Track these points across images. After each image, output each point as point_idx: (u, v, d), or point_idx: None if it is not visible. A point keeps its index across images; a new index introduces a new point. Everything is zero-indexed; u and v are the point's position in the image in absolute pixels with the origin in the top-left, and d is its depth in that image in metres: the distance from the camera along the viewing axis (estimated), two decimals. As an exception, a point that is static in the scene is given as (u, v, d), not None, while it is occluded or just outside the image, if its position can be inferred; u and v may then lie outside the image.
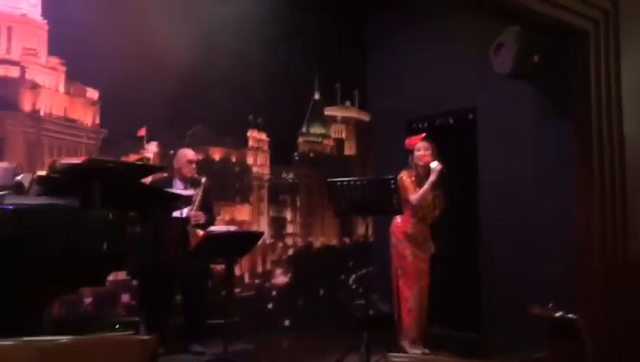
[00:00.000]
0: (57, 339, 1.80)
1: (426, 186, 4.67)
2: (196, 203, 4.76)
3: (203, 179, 4.88)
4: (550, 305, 4.71)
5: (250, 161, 6.13)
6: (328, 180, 4.39)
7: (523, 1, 4.18)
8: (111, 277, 4.98)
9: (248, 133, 6.13)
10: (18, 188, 3.11)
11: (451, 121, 6.29)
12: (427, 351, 4.78)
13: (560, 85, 4.92)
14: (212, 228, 4.46)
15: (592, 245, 4.57)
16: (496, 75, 4.97)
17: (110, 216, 3.05)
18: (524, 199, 5.40)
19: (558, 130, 5.02)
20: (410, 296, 4.75)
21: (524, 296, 5.02)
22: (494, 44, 4.87)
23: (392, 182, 4.27)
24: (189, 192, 4.67)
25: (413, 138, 4.92)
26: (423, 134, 4.93)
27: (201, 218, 4.66)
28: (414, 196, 4.67)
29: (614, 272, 4.52)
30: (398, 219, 4.80)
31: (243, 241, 4.41)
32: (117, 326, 4.49)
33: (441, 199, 4.78)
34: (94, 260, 3.01)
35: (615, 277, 4.53)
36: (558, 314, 2.29)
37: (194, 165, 4.94)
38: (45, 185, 3.14)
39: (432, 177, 4.65)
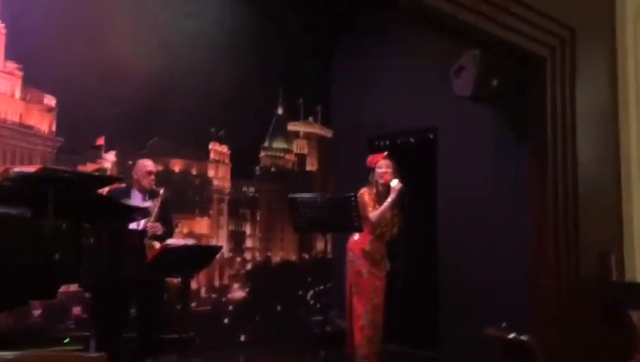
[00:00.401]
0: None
1: (385, 204, 4.70)
2: (154, 214, 4.68)
3: (161, 191, 4.80)
4: (504, 324, 4.80)
5: (211, 173, 6.07)
6: (289, 196, 4.38)
7: (483, 26, 4.26)
8: (62, 289, 4.87)
9: (210, 146, 6.08)
10: (-34, 196, 3.01)
11: (412, 140, 6.36)
12: (382, 368, 4.78)
13: (518, 108, 5.04)
14: (169, 242, 4.38)
15: (546, 263, 4.67)
16: (457, 96, 5.06)
17: (63, 226, 2.98)
18: (482, 218, 5.49)
19: (515, 151, 5.13)
20: (363, 313, 4.73)
21: (481, 315, 5.10)
22: (455, 66, 4.96)
23: (353, 199, 4.28)
24: (147, 204, 4.59)
25: (375, 156, 4.96)
26: (385, 153, 4.97)
27: (159, 230, 4.58)
28: (374, 213, 4.69)
29: (568, 290, 4.62)
30: (356, 235, 4.80)
31: (200, 255, 4.35)
32: (66, 341, 4.35)
33: (399, 218, 4.82)
34: (45, 272, 2.93)
35: (568, 295, 4.62)
36: (511, 336, 2.32)
37: (153, 176, 4.86)
38: (-4, 193, 3.04)
39: (392, 196, 4.68)
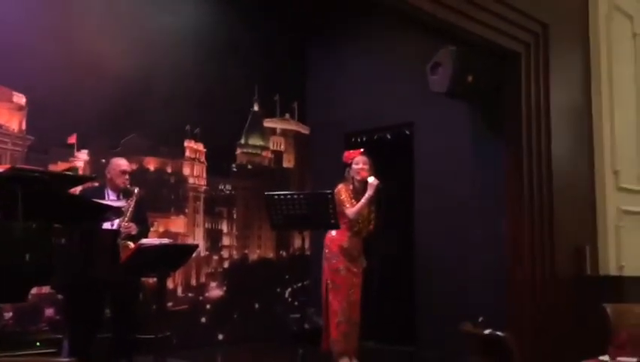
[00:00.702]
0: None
1: (363, 201, 4.70)
2: (128, 214, 4.61)
3: (136, 190, 4.72)
4: (480, 319, 4.83)
5: (186, 171, 6.01)
6: (266, 193, 4.34)
7: (458, 21, 4.27)
8: (34, 291, 4.79)
9: (185, 144, 6.01)
10: None
11: (389, 136, 6.36)
12: (358, 364, 4.79)
13: (494, 104, 5.06)
14: (144, 241, 4.31)
15: (522, 258, 4.70)
16: (433, 91, 5.06)
17: (33, 227, 2.91)
18: (458, 213, 5.52)
19: (491, 146, 5.15)
20: (339, 309, 4.73)
21: (458, 310, 5.13)
22: (431, 63, 4.96)
23: (329, 196, 4.26)
24: (120, 203, 4.51)
25: (351, 152, 4.95)
26: (361, 149, 4.96)
27: (133, 229, 4.51)
28: (351, 210, 4.68)
29: (543, 284, 4.66)
30: (333, 232, 4.79)
31: (176, 254, 4.28)
32: (38, 344, 4.26)
33: (375, 214, 4.81)
34: (15, 274, 2.86)
35: (543, 289, 4.66)
36: (487, 332, 2.32)
37: (127, 176, 4.77)
38: (-37, 194, 2.96)
39: (370, 192, 4.68)
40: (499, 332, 2.34)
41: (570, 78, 5.09)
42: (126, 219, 4.54)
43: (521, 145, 4.78)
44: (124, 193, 4.73)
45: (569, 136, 5.01)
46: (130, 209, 4.60)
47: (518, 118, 4.81)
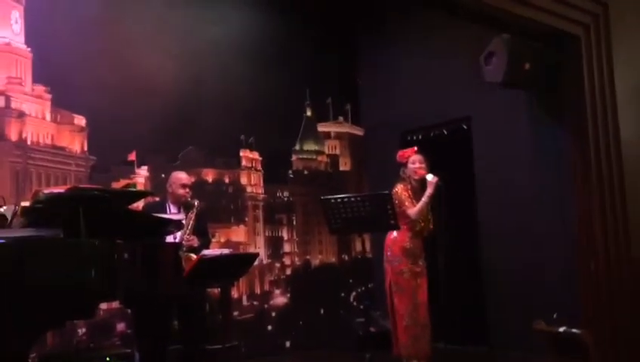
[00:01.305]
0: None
1: (424, 199, 4.58)
2: (189, 227, 4.67)
3: (196, 203, 4.78)
4: (555, 315, 4.63)
5: (243, 181, 6.05)
6: (322, 197, 4.31)
7: (510, 8, 4.13)
8: (105, 306, 4.92)
9: (241, 153, 6.06)
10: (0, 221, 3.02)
11: (445, 132, 6.23)
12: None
13: (554, 91, 4.87)
14: (205, 252, 4.35)
15: (595, 247, 4.50)
16: (489, 83, 4.91)
17: (97, 244, 2.96)
18: (523, 207, 5.33)
19: (554, 136, 4.96)
20: (405, 312, 4.61)
21: (530, 307, 4.95)
22: (485, 53, 4.82)
23: (387, 196, 4.18)
24: (179, 216, 4.57)
25: (405, 151, 4.84)
26: (415, 147, 4.85)
27: (195, 242, 4.55)
28: (413, 210, 4.57)
29: (619, 274, 4.44)
30: (394, 233, 4.69)
31: (237, 264, 4.30)
32: (108, 359, 4.36)
33: (434, 212, 4.70)
34: (81, 291, 2.91)
35: (619, 279, 4.44)
36: (562, 329, 2.19)
37: (187, 189, 4.84)
38: (29, 216, 3.05)
39: (430, 190, 4.56)
40: (574, 330, 2.21)
41: (634, 58, 4.84)
42: (188, 231, 4.60)
43: (586, 132, 4.58)
44: (184, 206, 4.79)
45: (638, 118, 4.75)
46: (192, 222, 4.65)
47: (582, 103, 4.62)
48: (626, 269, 4.44)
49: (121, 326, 5.03)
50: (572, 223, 4.68)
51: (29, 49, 4.93)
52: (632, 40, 4.83)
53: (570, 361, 2.30)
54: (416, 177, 4.68)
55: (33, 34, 4.95)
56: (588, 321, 4.35)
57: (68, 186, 3.51)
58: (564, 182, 4.78)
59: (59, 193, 3.07)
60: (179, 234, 4.55)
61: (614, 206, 4.53)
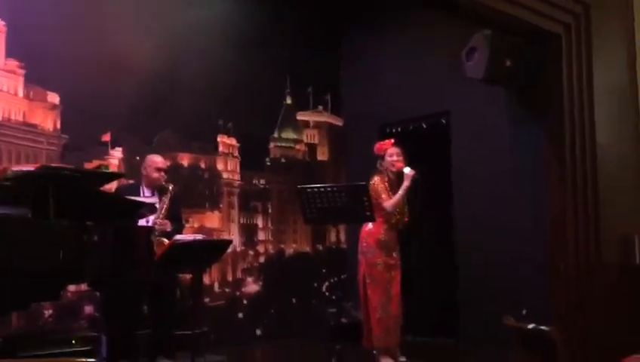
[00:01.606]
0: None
1: (400, 192, 4.58)
2: (163, 211, 4.61)
3: (170, 187, 4.72)
4: (524, 311, 4.68)
5: (220, 166, 5.99)
6: (298, 186, 4.28)
7: (493, 3, 4.12)
8: (73, 288, 4.84)
9: (218, 139, 5.99)
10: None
11: (424, 126, 6.23)
12: (403, 359, 4.69)
13: (533, 89, 4.89)
14: (178, 237, 4.30)
15: (566, 248, 4.54)
16: (469, 79, 4.91)
17: (65, 225, 2.90)
18: (498, 203, 5.37)
19: (532, 133, 4.99)
20: (378, 305, 4.63)
21: (502, 302, 4.99)
22: (466, 48, 4.81)
23: (364, 188, 4.16)
24: (152, 200, 4.51)
25: (383, 143, 4.83)
26: (392, 139, 4.84)
27: (167, 226, 4.50)
28: (389, 202, 4.57)
29: (588, 276, 4.49)
30: (370, 225, 4.69)
31: (210, 250, 4.25)
32: (74, 342, 4.29)
33: (410, 205, 4.71)
34: (48, 273, 2.85)
35: (589, 281, 4.49)
36: (531, 326, 2.20)
37: (163, 172, 4.77)
38: (-4, 193, 2.97)
39: (406, 183, 4.56)
40: (543, 327, 2.22)
41: (613, 59, 4.88)
42: (161, 216, 4.54)
43: (563, 131, 4.61)
44: (159, 190, 4.73)
45: (613, 120, 4.80)
46: (165, 206, 4.60)
47: (560, 102, 4.64)
48: (597, 272, 4.49)
49: (89, 309, 4.95)
50: (545, 221, 4.71)
51: (2, 22, 4.79)
52: (611, 41, 4.86)
53: (538, 358, 2.31)
54: (393, 169, 4.68)
55: (7, 7, 4.81)
56: (558, 319, 4.40)
57: (38, 165, 3.44)
58: (539, 181, 4.82)
59: (28, 171, 3.01)
60: (152, 217, 4.49)
61: (587, 208, 4.57)
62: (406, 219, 4.72)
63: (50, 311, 4.77)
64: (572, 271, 4.50)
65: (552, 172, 4.69)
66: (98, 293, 4.66)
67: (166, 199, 4.63)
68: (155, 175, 4.71)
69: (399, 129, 6.30)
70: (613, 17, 4.90)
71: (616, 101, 4.85)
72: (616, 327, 4.38)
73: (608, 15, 4.84)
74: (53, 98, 4.98)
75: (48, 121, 4.96)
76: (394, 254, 4.70)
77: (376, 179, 4.66)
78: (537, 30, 4.53)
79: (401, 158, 4.68)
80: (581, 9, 4.65)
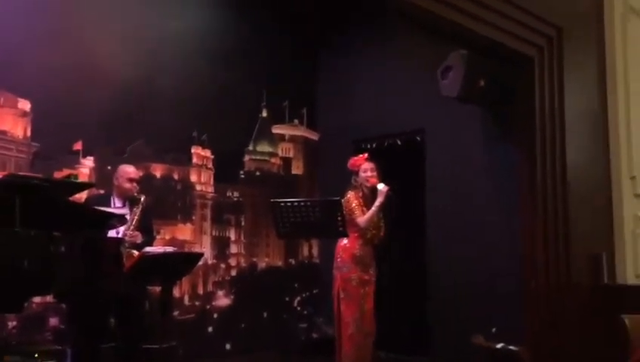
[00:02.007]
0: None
1: (373, 209, 4.59)
2: (134, 222, 4.54)
3: (142, 198, 4.65)
4: (494, 330, 4.70)
5: (193, 178, 5.93)
6: (272, 200, 4.26)
7: (469, 24, 4.17)
8: (38, 300, 4.73)
9: (192, 150, 5.94)
10: None
11: (399, 143, 6.26)
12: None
13: (506, 109, 4.95)
14: (148, 249, 4.23)
15: (537, 267, 4.57)
16: (444, 97, 4.96)
17: (31, 235, 2.83)
18: (471, 220, 5.40)
19: (505, 153, 5.04)
20: (351, 321, 4.61)
21: (473, 320, 5.01)
22: (442, 67, 4.86)
23: (338, 203, 4.16)
24: (122, 210, 4.44)
25: (357, 158, 4.84)
26: (366, 154, 4.85)
27: (138, 238, 4.43)
28: (362, 219, 4.56)
29: (559, 295, 4.52)
30: (345, 240, 4.69)
31: (180, 263, 4.19)
32: (36, 356, 4.18)
33: (385, 220, 4.71)
34: (12, 283, 2.78)
35: (559, 300, 4.53)
36: (499, 346, 2.20)
37: (135, 183, 4.71)
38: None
39: (380, 199, 4.57)
40: (511, 347, 2.22)
41: (585, 82, 4.96)
42: (132, 227, 4.47)
43: (534, 152, 4.66)
44: (130, 201, 4.66)
45: (584, 142, 4.87)
46: (137, 217, 4.53)
47: (532, 123, 4.70)
48: (566, 291, 4.53)
49: (54, 321, 4.84)
50: (518, 242, 4.75)
51: (-27, 27, 4.71)
52: (583, 64, 4.95)
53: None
54: (367, 185, 4.69)
55: (-21, 12, 4.73)
56: (526, 338, 4.42)
57: (4, 173, 3.36)
58: (512, 200, 4.86)
59: (-6, 179, 2.94)
60: (122, 229, 4.41)
61: (557, 228, 4.61)
62: (381, 234, 4.73)
63: (15, 323, 4.65)
64: (543, 290, 4.53)
65: (524, 192, 4.74)
66: (64, 305, 4.57)
67: (137, 210, 4.56)
68: (127, 185, 4.64)
69: (374, 145, 6.32)
70: (585, 41, 4.99)
71: (587, 122, 4.92)
72: (588, 347, 4.41)
73: (581, 38, 4.93)
74: (24, 105, 4.88)
75: (18, 128, 4.86)
76: (370, 270, 4.69)
77: (350, 195, 4.66)
78: (511, 52, 4.59)
79: (374, 174, 4.69)
80: (554, 32, 4.73)
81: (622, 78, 5.11)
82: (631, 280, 4.86)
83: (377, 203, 4.57)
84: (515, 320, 4.63)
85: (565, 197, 4.64)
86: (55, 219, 3.12)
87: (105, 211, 3.77)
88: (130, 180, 4.64)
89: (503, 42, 4.46)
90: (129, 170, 4.69)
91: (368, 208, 4.62)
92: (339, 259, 4.70)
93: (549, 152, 4.67)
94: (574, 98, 4.80)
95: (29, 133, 4.91)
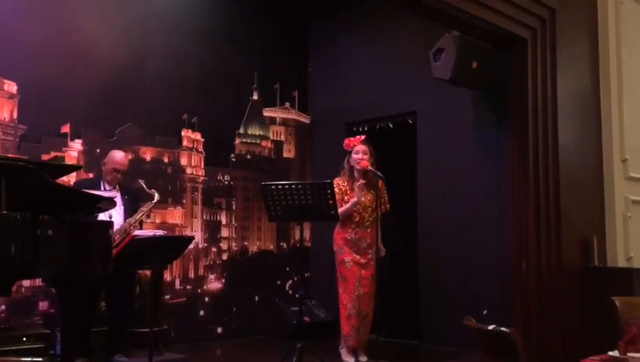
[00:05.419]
0: None
1: (348, 205, 4.62)
2: (139, 216, 4.59)
3: (156, 195, 4.67)
4: (485, 312, 4.71)
5: (183, 161, 5.88)
6: (263, 183, 4.23)
7: (462, 6, 4.12)
8: (27, 283, 4.70)
9: (182, 133, 5.88)
10: None
11: (391, 125, 6.23)
12: (364, 358, 4.68)
13: (499, 91, 4.91)
14: (137, 232, 4.21)
15: (527, 249, 4.57)
16: (436, 79, 4.92)
17: (17, 218, 2.79)
18: (462, 204, 5.39)
19: (496, 135, 5.01)
20: (348, 303, 4.64)
21: (464, 302, 5.02)
22: (434, 48, 4.81)
23: (329, 186, 4.13)
24: (111, 193, 4.41)
25: (352, 139, 4.83)
26: (363, 137, 4.84)
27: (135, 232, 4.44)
28: (340, 210, 4.52)
29: (549, 277, 4.53)
30: (338, 225, 4.72)
31: (171, 246, 4.18)
32: (24, 339, 4.14)
33: (384, 199, 4.72)
34: (-1, 267, 2.74)
35: (549, 282, 4.53)
36: (491, 327, 2.19)
37: (120, 175, 4.68)
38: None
39: (355, 199, 4.62)
40: (503, 328, 2.21)
41: (577, 64, 4.94)
42: (136, 221, 4.55)
43: (526, 134, 4.64)
44: (133, 194, 4.77)
45: (576, 124, 4.86)
46: (144, 213, 4.64)
47: (524, 105, 4.67)
48: (556, 273, 4.53)
49: (43, 305, 4.80)
50: (508, 224, 4.74)
51: (-42, 7, 4.62)
52: (576, 46, 4.92)
53: (499, 359, 2.31)
54: (358, 167, 4.68)
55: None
56: (517, 320, 4.43)
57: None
58: (503, 183, 4.84)
59: (-22, 162, 2.88)
60: (114, 212, 4.39)
61: (548, 211, 4.61)
62: (387, 208, 4.81)
63: (3, 307, 4.61)
64: (533, 272, 4.53)
65: (515, 174, 4.72)
66: (53, 289, 4.53)
67: (149, 206, 4.63)
68: (110, 176, 4.64)
69: (366, 127, 6.28)
70: (578, 22, 4.96)
71: (579, 104, 4.90)
72: (577, 329, 4.43)
73: (574, 20, 4.90)
74: (11, 87, 4.81)
75: (5, 110, 4.78)
76: (366, 253, 4.68)
77: (336, 182, 4.64)
78: (504, 33, 4.55)
79: (366, 157, 4.68)
80: (547, 13, 4.70)
81: (614, 60, 5.09)
82: (622, 263, 4.89)
83: (352, 201, 4.64)
84: (506, 303, 4.65)
85: (557, 180, 4.63)
86: (42, 202, 3.08)
87: (93, 194, 3.72)
88: (116, 171, 4.63)
89: (496, 23, 4.42)
90: (117, 158, 4.67)
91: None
92: (335, 244, 4.79)
93: (541, 134, 4.65)
94: (567, 80, 4.78)
95: (15, 116, 4.83)
